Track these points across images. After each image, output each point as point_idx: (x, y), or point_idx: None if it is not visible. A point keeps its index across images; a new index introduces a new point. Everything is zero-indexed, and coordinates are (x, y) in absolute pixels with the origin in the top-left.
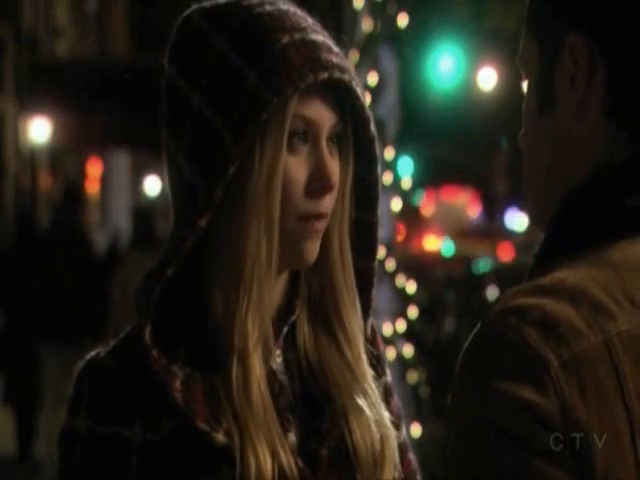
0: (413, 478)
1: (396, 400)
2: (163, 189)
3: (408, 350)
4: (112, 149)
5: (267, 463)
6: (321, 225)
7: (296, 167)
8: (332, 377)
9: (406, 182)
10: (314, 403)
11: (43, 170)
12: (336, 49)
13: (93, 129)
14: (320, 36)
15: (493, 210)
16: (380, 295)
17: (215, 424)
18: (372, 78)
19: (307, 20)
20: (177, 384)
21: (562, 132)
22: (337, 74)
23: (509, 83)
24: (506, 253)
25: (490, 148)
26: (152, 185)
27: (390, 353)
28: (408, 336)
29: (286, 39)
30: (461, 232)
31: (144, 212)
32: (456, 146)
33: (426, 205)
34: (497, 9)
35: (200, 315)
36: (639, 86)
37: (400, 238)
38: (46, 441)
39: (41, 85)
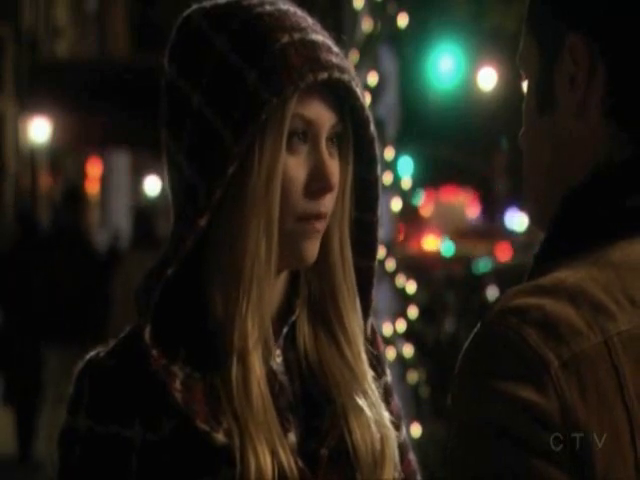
0: (413, 478)
1: (396, 400)
2: (163, 189)
3: (408, 350)
4: (112, 149)
5: (267, 463)
6: (321, 226)
7: (295, 167)
8: (332, 377)
9: (406, 182)
10: (314, 403)
11: (43, 170)
12: (336, 49)
13: (93, 129)
14: (320, 36)
15: (493, 210)
16: (380, 295)
17: (215, 424)
18: (372, 78)
19: (307, 20)
20: (177, 384)
21: (562, 132)
22: (336, 74)
23: (509, 83)
24: (504, 253)
25: (490, 148)
26: (152, 185)
27: (390, 353)
28: (408, 336)
29: (286, 39)
30: (460, 232)
31: (144, 212)
32: (456, 146)
33: (425, 205)
34: (497, 9)
35: (200, 315)
36: (639, 86)
37: (399, 238)
38: (46, 441)
39: (41, 85)
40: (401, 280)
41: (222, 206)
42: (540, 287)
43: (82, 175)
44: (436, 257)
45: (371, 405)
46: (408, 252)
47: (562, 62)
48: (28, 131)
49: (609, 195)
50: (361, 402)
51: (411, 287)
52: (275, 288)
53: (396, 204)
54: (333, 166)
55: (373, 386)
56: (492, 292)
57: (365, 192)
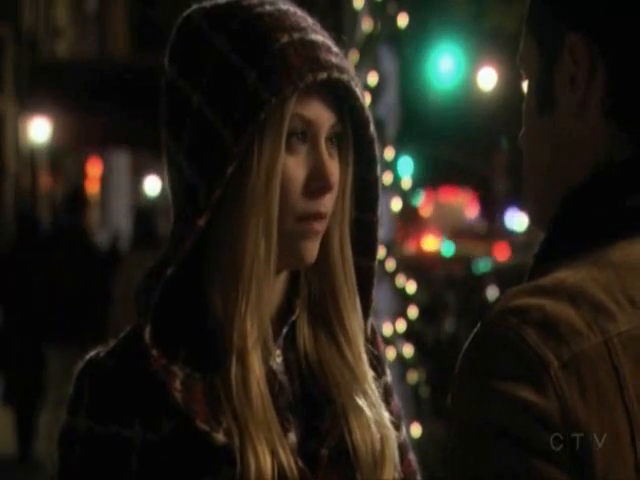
0: (413, 478)
1: (396, 400)
2: (163, 189)
3: (408, 350)
4: (112, 149)
5: (267, 463)
6: (320, 226)
7: (295, 167)
8: (332, 377)
9: (406, 182)
10: (314, 403)
11: (43, 170)
12: (336, 49)
13: (93, 129)
14: (320, 36)
15: (492, 210)
16: (380, 295)
17: (215, 424)
18: (372, 78)
19: (307, 20)
20: (177, 384)
21: (562, 132)
22: (336, 74)
23: (509, 83)
24: (503, 253)
25: (490, 148)
26: (152, 185)
27: (390, 353)
28: (408, 336)
29: (285, 39)
30: (458, 233)
31: (145, 212)
32: (456, 146)
33: (425, 206)
34: (497, 9)
35: (200, 315)
36: (639, 86)
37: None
38: (46, 441)
39: (41, 85)
40: (401, 280)
41: (222, 206)
42: (540, 287)
43: (82, 175)
44: (436, 257)
45: (371, 405)
46: (407, 252)
47: (562, 62)
48: (28, 131)
49: (609, 195)
50: (361, 402)
51: (411, 287)
52: (275, 288)
53: (396, 204)
54: (332, 166)
55: (373, 386)
56: (492, 292)
57: (365, 192)
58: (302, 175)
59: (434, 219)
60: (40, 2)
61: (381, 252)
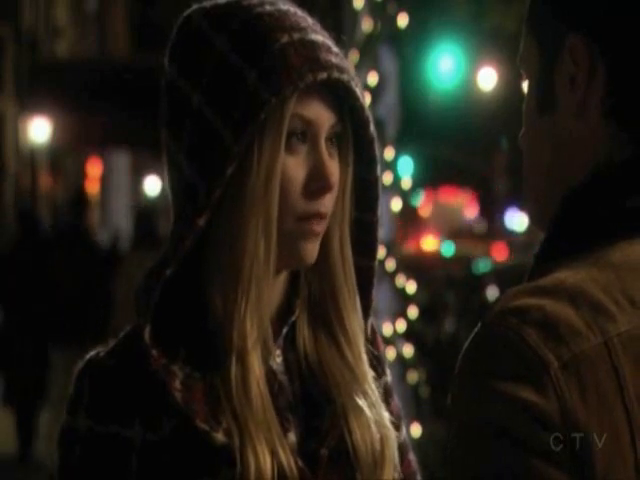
0: (413, 478)
1: (396, 401)
2: (163, 189)
3: (408, 350)
4: (112, 149)
5: (267, 463)
6: (320, 227)
7: (294, 167)
8: (332, 377)
9: (406, 182)
10: (314, 403)
11: (43, 170)
12: (336, 49)
13: (93, 129)
14: (320, 36)
15: (492, 210)
16: (380, 295)
17: (215, 424)
18: (372, 78)
19: (307, 20)
20: (177, 384)
21: (562, 132)
22: (336, 74)
23: (509, 83)
24: (501, 253)
25: (490, 148)
26: (152, 185)
27: (390, 353)
28: (408, 336)
29: (285, 39)
30: (457, 233)
31: (146, 212)
32: (456, 146)
33: (424, 206)
34: (497, 9)
35: (200, 315)
36: (639, 86)
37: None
38: (47, 441)
39: (41, 85)
40: (401, 280)
41: (221, 206)
42: (540, 288)
43: (82, 175)
44: (435, 257)
45: (371, 405)
46: (407, 252)
47: (562, 62)
48: (28, 131)
49: (609, 195)
50: (361, 402)
51: (411, 287)
52: (275, 288)
53: (396, 204)
54: (332, 166)
55: (373, 386)
56: (492, 292)
57: (365, 192)
58: (302, 175)
59: (433, 219)
60: (40, 2)
61: (381, 252)
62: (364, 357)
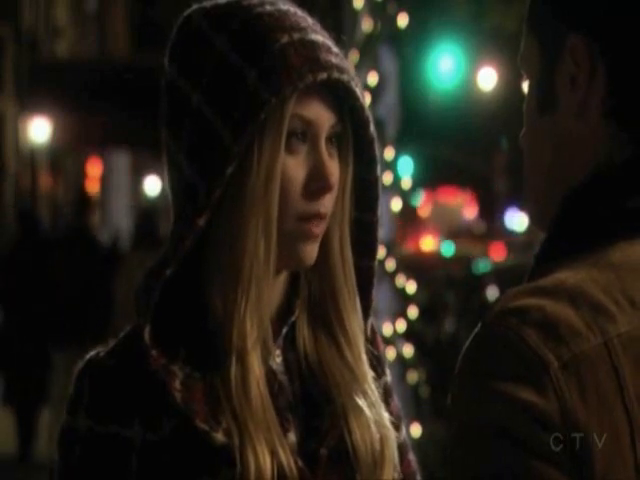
0: (413, 478)
1: (396, 401)
2: (163, 189)
3: (408, 350)
4: (112, 149)
5: (266, 463)
6: (319, 229)
7: (294, 167)
8: (332, 377)
9: (406, 182)
10: (314, 403)
11: (43, 170)
12: (336, 49)
13: (93, 129)
14: (320, 36)
15: (492, 211)
16: (380, 295)
17: (214, 424)
18: (372, 78)
19: (307, 20)
20: (177, 384)
21: (563, 132)
22: (336, 74)
23: (509, 83)
24: (499, 254)
25: (490, 148)
26: (152, 185)
27: (390, 353)
28: (408, 336)
29: (285, 39)
30: (456, 233)
31: (147, 212)
32: (456, 146)
33: (424, 206)
34: (497, 9)
35: (200, 315)
36: (639, 87)
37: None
38: (47, 441)
39: (41, 85)
40: (401, 280)
41: (221, 206)
42: (540, 288)
43: (82, 175)
44: (435, 257)
45: (371, 405)
46: (406, 252)
47: (563, 63)
48: (28, 131)
49: (609, 195)
50: (361, 402)
51: (411, 287)
52: (275, 288)
53: (396, 204)
54: (332, 166)
55: (373, 386)
56: (492, 292)
57: (365, 192)
58: (302, 175)
59: (432, 219)
60: (40, 2)
61: (381, 252)
62: (364, 357)
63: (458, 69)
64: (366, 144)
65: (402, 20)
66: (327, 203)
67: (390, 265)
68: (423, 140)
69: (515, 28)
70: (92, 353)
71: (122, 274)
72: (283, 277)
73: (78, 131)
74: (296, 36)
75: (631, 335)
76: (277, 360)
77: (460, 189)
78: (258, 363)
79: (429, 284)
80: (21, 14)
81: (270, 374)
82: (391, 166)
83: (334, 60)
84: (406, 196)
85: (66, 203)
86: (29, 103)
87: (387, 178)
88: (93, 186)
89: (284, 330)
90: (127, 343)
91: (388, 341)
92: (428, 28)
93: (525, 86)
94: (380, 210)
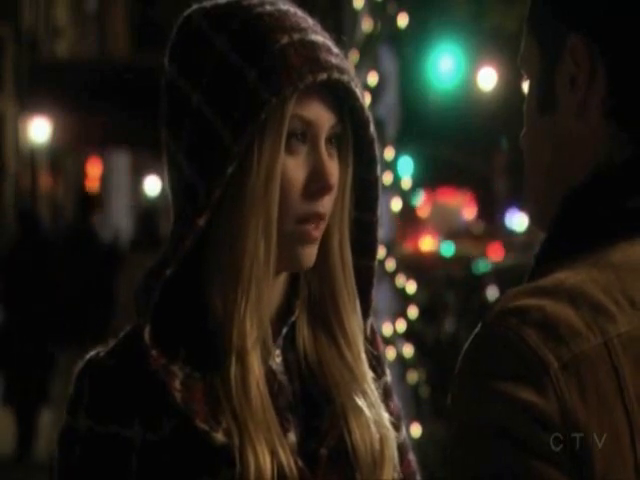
0: (413, 479)
1: (396, 401)
2: (163, 189)
3: (408, 350)
4: (112, 149)
5: (266, 462)
6: (318, 232)
7: (294, 168)
8: (332, 377)
9: (406, 182)
10: (314, 403)
11: (43, 170)
12: (336, 50)
13: (93, 129)
14: (320, 37)
15: (492, 211)
16: (380, 295)
17: (214, 424)
18: (372, 78)
19: (307, 21)
20: (176, 384)
21: (563, 132)
22: (336, 75)
23: (509, 83)
24: (497, 254)
25: (490, 148)
26: (152, 185)
27: (390, 353)
28: (408, 336)
29: (285, 39)
30: (455, 234)
31: (148, 213)
32: (456, 146)
33: (423, 206)
34: (497, 9)
35: (200, 315)
36: (639, 87)
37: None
38: (47, 441)
39: (41, 85)
40: (401, 280)
41: (221, 206)
42: (540, 288)
43: (82, 175)
44: (435, 257)
45: (370, 405)
46: (406, 252)
47: (563, 63)
48: (28, 131)
49: (610, 195)
50: (360, 402)
51: (411, 287)
52: (274, 288)
53: (396, 204)
54: (332, 167)
55: (372, 386)
56: (492, 292)
57: (365, 192)
58: (302, 176)
59: (431, 220)
60: (40, 2)
61: (381, 252)
62: (363, 357)
63: (458, 69)
64: (366, 144)
65: (402, 20)
66: (326, 204)
67: (390, 265)
68: (423, 140)
69: (515, 28)
70: (92, 353)
71: (123, 274)
72: (283, 277)
73: (78, 131)
74: (296, 36)
75: (631, 335)
76: (277, 360)
77: (460, 189)
78: (258, 363)
79: (429, 284)
80: (21, 14)
81: (270, 374)
82: (391, 166)
83: (334, 61)
84: (406, 196)
85: (68, 203)
86: (29, 103)
87: (387, 178)
88: (93, 186)
89: (284, 330)
90: (127, 343)
91: (388, 341)
92: (428, 28)
93: (525, 86)
94: (380, 210)
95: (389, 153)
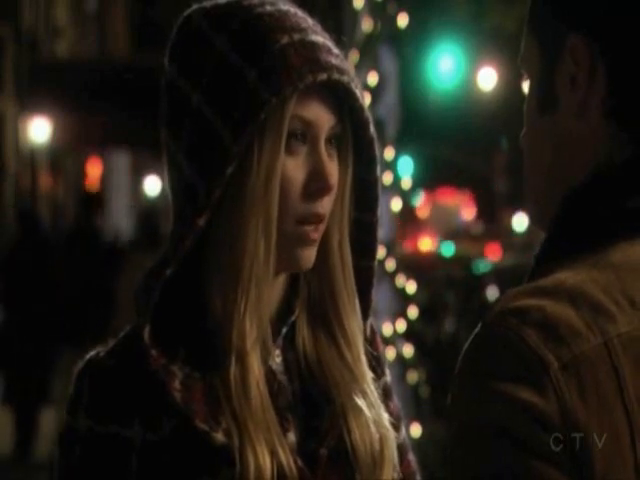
0: (413, 479)
1: (396, 401)
2: (163, 189)
3: (408, 350)
4: (112, 149)
5: (266, 462)
6: (317, 233)
7: (294, 168)
8: (331, 377)
9: (406, 182)
10: (313, 403)
11: (43, 170)
12: (336, 50)
13: (93, 129)
14: (320, 37)
15: (492, 211)
16: (380, 295)
17: (214, 424)
18: (372, 78)
19: (307, 21)
20: (176, 384)
21: (563, 132)
22: (336, 75)
23: (509, 83)
24: (495, 254)
25: (490, 148)
26: (152, 185)
27: (390, 353)
28: (408, 336)
29: (285, 40)
30: (454, 234)
31: (149, 213)
32: (456, 146)
33: (422, 207)
34: (497, 9)
35: (199, 315)
36: (639, 86)
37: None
38: (47, 441)
39: (41, 85)
40: (401, 280)
41: (221, 206)
42: (540, 288)
43: (82, 175)
44: (435, 257)
45: (370, 405)
46: (406, 252)
47: (563, 63)
48: (28, 131)
49: (610, 195)
50: (360, 402)
51: (411, 287)
52: (274, 288)
53: (396, 204)
54: (332, 167)
55: (372, 387)
56: (492, 292)
57: (365, 192)
58: (301, 177)
59: (430, 220)
60: (40, 2)
61: (381, 252)
62: (363, 357)
63: (458, 69)
64: (366, 145)
65: (402, 20)
66: (326, 204)
67: (390, 265)
68: (423, 140)
69: (515, 28)
70: (92, 353)
71: (124, 274)
72: (283, 277)
73: (78, 131)
74: (296, 37)
75: (631, 335)
76: (277, 360)
77: (459, 189)
78: (258, 363)
79: (429, 284)
80: (21, 14)
81: (270, 374)
82: (391, 166)
83: (334, 61)
84: (406, 196)
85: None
86: (29, 103)
87: (387, 178)
88: (93, 186)
89: (284, 330)
90: (127, 343)
91: (388, 341)
92: (428, 28)
93: (525, 86)
94: (380, 210)
95: (389, 153)
